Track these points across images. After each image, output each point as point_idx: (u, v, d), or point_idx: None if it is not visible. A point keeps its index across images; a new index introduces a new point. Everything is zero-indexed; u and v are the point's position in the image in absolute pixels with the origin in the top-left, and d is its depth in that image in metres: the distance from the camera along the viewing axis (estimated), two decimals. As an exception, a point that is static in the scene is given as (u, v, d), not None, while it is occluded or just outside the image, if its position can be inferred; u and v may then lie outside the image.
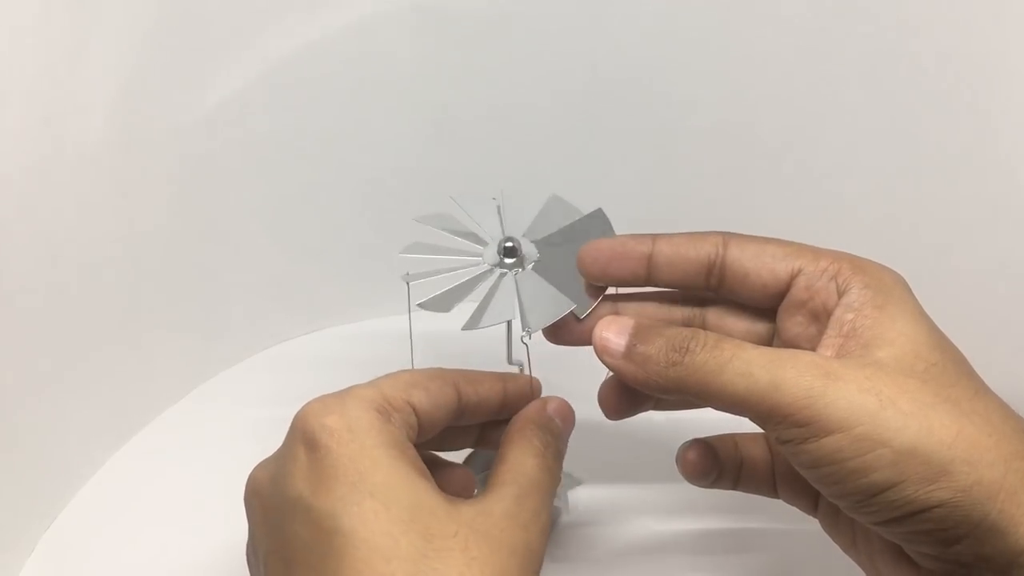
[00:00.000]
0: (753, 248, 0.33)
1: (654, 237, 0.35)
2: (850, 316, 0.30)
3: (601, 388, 0.36)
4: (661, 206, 0.57)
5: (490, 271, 0.40)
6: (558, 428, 0.36)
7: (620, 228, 0.40)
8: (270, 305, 0.59)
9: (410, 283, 0.38)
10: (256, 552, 0.31)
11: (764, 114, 0.52)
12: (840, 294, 0.31)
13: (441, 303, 0.38)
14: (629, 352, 0.32)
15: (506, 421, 0.37)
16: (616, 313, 0.36)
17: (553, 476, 0.33)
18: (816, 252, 0.32)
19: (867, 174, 0.50)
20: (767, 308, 0.34)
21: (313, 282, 0.59)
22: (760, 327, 0.35)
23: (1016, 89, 0.42)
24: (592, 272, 0.35)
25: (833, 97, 0.50)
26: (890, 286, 0.31)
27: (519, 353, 0.43)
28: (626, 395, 0.36)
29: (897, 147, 0.48)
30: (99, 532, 0.47)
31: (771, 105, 0.52)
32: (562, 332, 0.37)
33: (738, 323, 0.35)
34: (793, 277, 0.32)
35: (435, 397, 0.33)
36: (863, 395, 0.27)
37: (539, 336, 0.38)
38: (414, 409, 0.32)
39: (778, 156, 0.53)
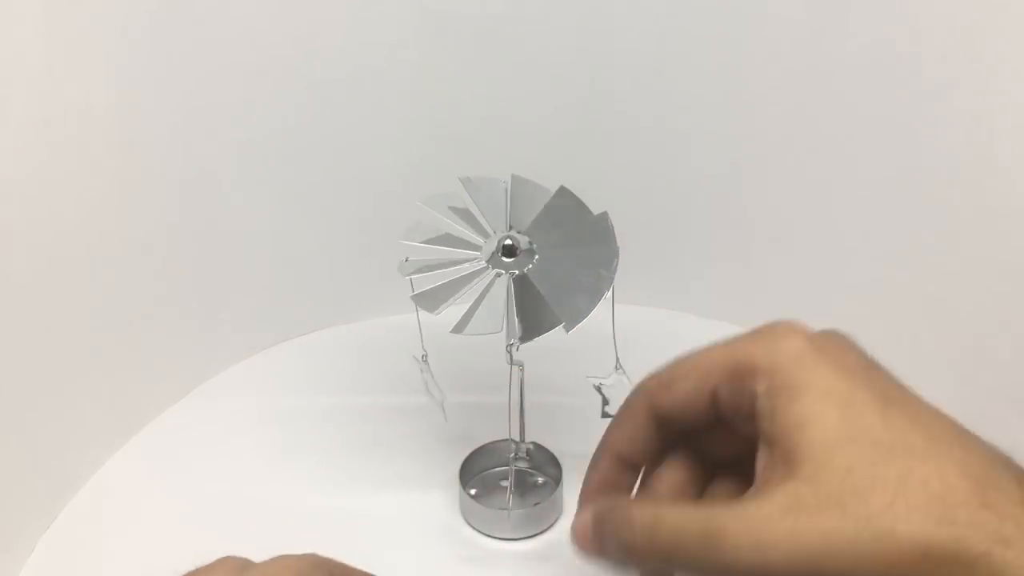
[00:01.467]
0: (669, 393, 0.32)
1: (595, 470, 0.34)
2: (764, 425, 0.29)
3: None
4: (661, 205, 0.57)
5: (486, 269, 0.39)
6: None
7: (621, 227, 0.40)
8: (270, 305, 0.59)
9: (411, 277, 0.38)
10: None
11: (763, 115, 0.52)
12: (750, 403, 0.30)
13: (431, 301, 0.38)
14: (596, 545, 0.31)
15: None
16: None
17: None
18: (715, 360, 0.31)
19: (867, 174, 0.50)
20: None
21: (313, 282, 0.59)
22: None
23: (1016, 89, 0.42)
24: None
25: (833, 98, 0.50)
26: (787, 375, 0.29)
27: (518, 353, 0.43)
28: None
29: (897, 147, 0.48)
30: (99, 532, 0.47)
31: (770, 106, 0.52)
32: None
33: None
34: (714, 398, 0.31)
35: None
36: (797, 554, 0.27)
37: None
38: None
39: (778, 157, 0.53)
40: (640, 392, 0.33)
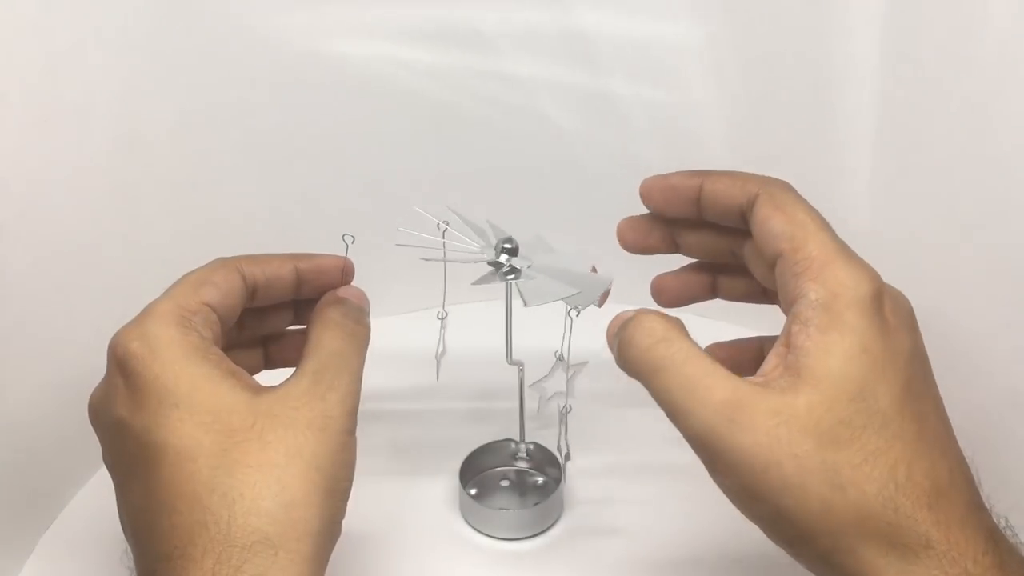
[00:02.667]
0: (764, 214, 0.34)
1: (703, 177, 0.36)
2: (796, 328, 0.31)
3: (655, 279, 0.40)
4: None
5: (490, 265, 0.40)
6: (353, 301, 0.39)
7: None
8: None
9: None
10: (105, 463, 0.35)
11: (763, 114, 0.52)
12: (794, 299, 0.32)
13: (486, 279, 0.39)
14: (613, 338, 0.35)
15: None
16: (670, 236, 0.39)
17: (355, 339, 0.37)
18: (804, 240, 0.32)
19: (866, 174, 0.50)
20: None
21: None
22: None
23: (1016, 89, 0.42)
24: (653, 210, 0.38)
25: (833, 97, 0.50)
26: (842, 308, 0.31)
27: (518, 353, 0.43)
28: (681, 283, 0.40)
29: (897, 147, 0.48)
30: (99, 532, 0.47)
31: (770, 105, 0.52)
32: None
33: (764, 265, 0.36)
34: (777, 258, 0.33)
35: (224, 289, 0.36)
36: (754, 450, 0.29)
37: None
38: (211, 307, 0.35)
39: (777, 156, 0.53)
40: (759, 184, 0.35)
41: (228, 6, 0.49)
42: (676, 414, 0.31)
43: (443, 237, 0.39)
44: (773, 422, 0.29)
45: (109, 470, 0.35)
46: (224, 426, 0.31)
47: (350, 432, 0.34)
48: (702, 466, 0.32)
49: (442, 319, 0.41)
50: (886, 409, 0.30)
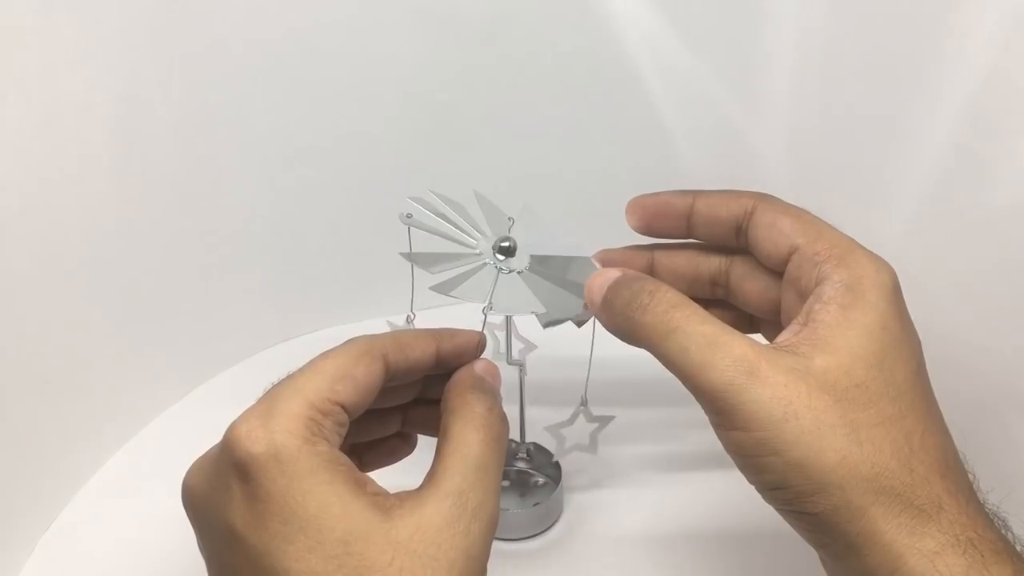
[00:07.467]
0: (769, 218, 0.35)
1: (695, 194, 0.37)
2: (817, 306, 0.32)
3: None
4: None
5: (489, 265, 0.40)
6: (492, 386, 0.35)
7: (620, 233, 0.40)
8: (270, 305, 0.59)
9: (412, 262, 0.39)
10: (200, 550, 0.32)
11: (763, 113, 0.52)
12: (817, 282, 0.32)
13: (446, 287, 0.38)
14: (604, 302, 0.34)
15: (448, 375, 0.36)
16: (651, 261, 0.39)
17: (499, 444, 0.33)
18: (819, 233, 0.34)
19: (866, 174, 0.50)
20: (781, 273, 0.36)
21: (313, 282, 0.59)
22: (778, 285, 0.36)
23: (1016, 89, 0.42)
24: (639, 227, 0.38)
25: (832, 97, 0.50)
26: (866, 288, 0.31)
27: (518, 353, 0.43)
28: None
29: (896, 147, 0.48)
30: (99, 532, 0.47)
31: (770, 104, 0.52)
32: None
33: (758, 279, 0.37)
34: (790, 254, 0.34)
35: (363, 386, 0.32)
36: (772, 403, 0.29)
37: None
38: (343, 407, 0.31)
39: (776, 156, 0.53)
40: (754, 195, 0.36)
41: (228, 5, 0.49)
42: (694, 370, 0.31)
43: (408, 229, 0.38)
44: (791, 377, 0.30)
45: (205, 560, 0.31)
46: (358, 561, 0.28)
47: (486, 569, 0.30)
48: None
49: (410, 322, 0.40)
50: (901, 383, 0.30)
